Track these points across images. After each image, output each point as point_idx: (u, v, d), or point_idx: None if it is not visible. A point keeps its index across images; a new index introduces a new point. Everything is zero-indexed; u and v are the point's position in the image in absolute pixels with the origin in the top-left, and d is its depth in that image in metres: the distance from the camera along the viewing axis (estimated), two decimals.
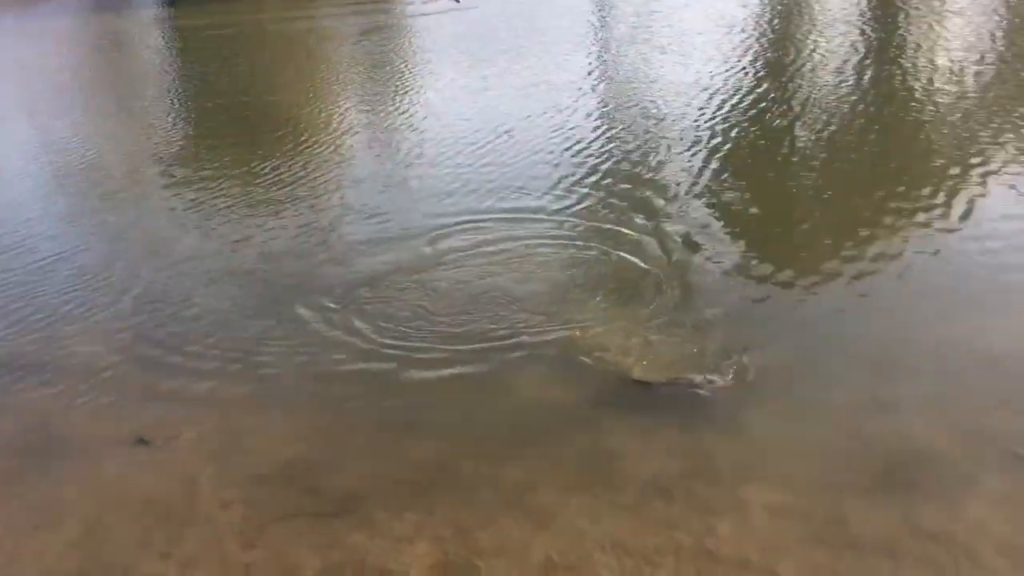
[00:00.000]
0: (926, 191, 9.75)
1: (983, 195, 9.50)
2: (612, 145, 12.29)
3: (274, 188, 11.90)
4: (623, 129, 13.08)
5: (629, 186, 10.74)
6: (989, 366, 6.46)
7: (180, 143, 14.90)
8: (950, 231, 8.77)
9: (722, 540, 5.01)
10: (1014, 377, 6.31)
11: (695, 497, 5.40)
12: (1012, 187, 9.63)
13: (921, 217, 9.13)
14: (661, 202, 10.13)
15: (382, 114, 15.66)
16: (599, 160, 11.69)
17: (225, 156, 13.88)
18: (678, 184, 10.63)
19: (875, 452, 5.61)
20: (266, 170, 12.66)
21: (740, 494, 5.37)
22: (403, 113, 15.49)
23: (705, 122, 12.98)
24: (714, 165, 11.21)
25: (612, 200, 10.32)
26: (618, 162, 11.60)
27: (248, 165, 12.99)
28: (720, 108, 13.66)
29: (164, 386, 7.27)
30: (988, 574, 4.60)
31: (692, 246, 8.93)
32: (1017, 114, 12.15)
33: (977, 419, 5.85)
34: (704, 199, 10.20)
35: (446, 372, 7.00)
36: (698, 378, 6.42)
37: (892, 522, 4.99)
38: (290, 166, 12.74)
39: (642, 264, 8.54)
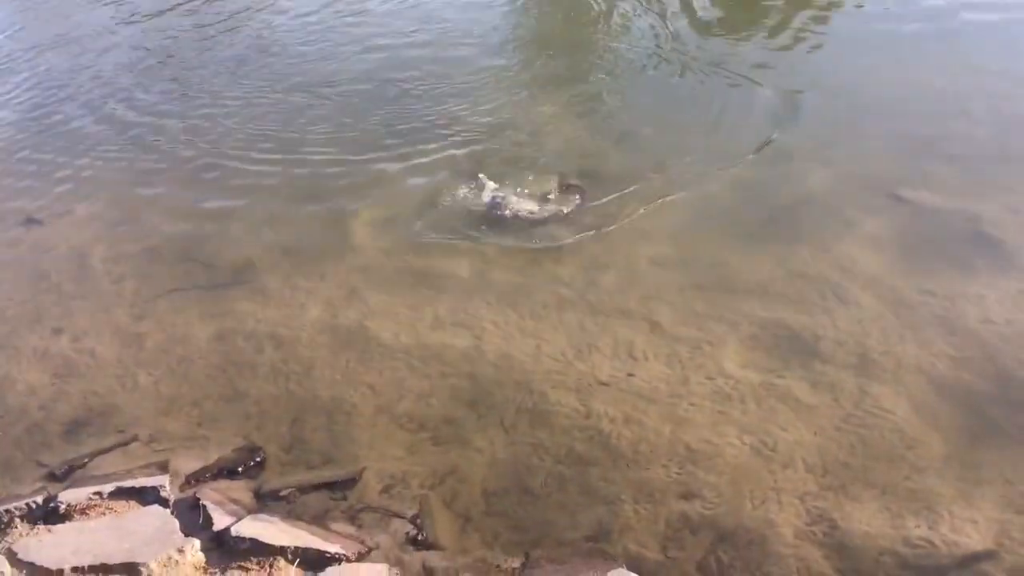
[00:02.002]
0: None
1: None
2: None
3: None
4: None
5: None
6: (881, 113, 6.37)
7: None
8: None
9: (604, 291, 5.09)
10: (906, 123, 6.20)
11: (584, 254, 5.42)
12: None
13: None
14: None
15: None
16: None
17: None
18: None
19: (763, 202, 5.59)
20: None
21: (629, 250, 5.39)
22: None
23: None
24: None
25: None
26: None
27: None
28: None
29: (54, 166, 7.09)
30: (852, 308, 4.68)
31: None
32: None
33: (864, 164, 5.79)
34: None
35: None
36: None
37: (767, 265, 5.03)
38: None
39: None
